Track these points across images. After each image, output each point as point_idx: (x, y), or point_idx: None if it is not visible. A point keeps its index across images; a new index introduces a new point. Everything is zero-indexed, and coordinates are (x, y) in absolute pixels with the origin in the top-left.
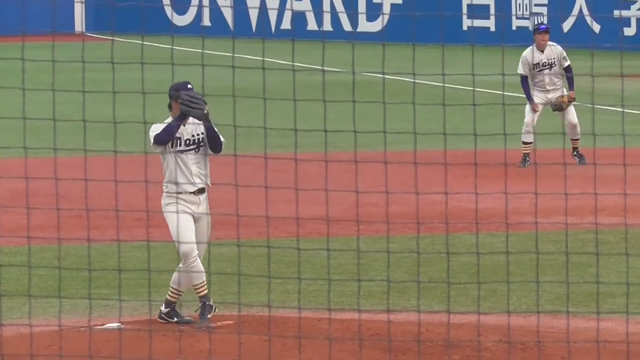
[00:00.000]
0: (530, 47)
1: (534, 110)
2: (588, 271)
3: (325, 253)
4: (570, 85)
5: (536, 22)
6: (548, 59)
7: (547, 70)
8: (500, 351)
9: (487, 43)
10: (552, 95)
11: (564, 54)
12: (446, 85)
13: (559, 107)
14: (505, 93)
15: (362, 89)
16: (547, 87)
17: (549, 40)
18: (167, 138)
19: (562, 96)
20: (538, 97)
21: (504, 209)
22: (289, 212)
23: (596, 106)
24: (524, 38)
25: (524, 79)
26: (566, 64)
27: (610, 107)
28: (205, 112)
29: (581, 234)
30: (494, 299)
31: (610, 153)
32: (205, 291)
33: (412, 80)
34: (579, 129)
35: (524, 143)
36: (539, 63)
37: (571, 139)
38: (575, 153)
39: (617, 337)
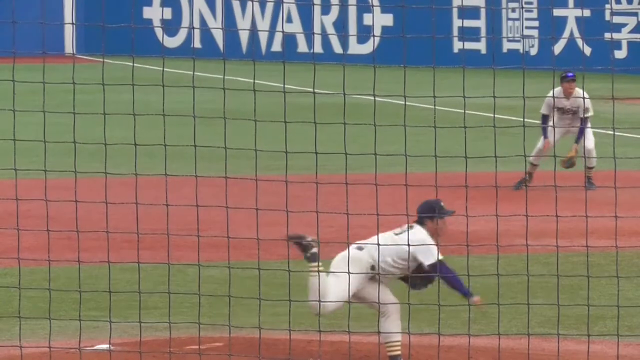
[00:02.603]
0: (558, 89)
1: (545, 148)
2: (579, 294)
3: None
4: (579, 137)
5: (527, 45)
6: (572, 107)
7: (570, 115)
8: None
9: (478, 65)
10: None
11: (589, 105)
12: (437, 107)
13: (572, 164)
14: (496, 116)
15: (353, 111)
16: (566, 127)
17: (577, 88)
18: (451, 283)
19: (571, 154)
20: (557, 125)
21: (494, 231)
22: (280, 234)
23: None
24: (515, 60)
25: (545, 117)
26: (587, 115)
27: (601, 130)
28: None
29: (572, 257)
30: (485, 321)
31: (601, 176)
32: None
33: (402, 102)
34: (594, 153)
35: (532, 164)
36: (562, 108)
37: (586, 167)
38: (588, 182)
39: None
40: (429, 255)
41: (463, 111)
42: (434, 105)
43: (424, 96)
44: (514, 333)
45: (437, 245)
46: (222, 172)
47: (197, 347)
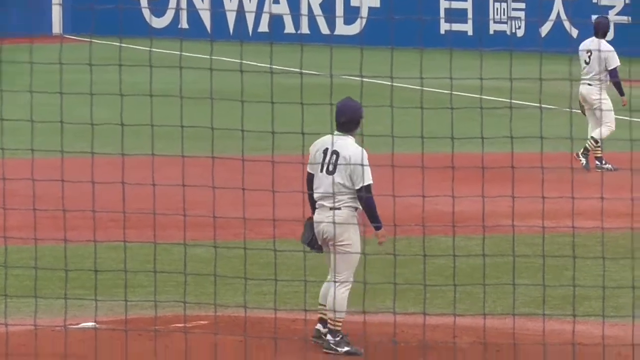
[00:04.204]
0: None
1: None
2: (564, 274)
3: (301, 254)
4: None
5: (514, 27)
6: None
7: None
8: (476, 353)
9: (465, 47)
10: None
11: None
12: (424, 88)
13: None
14: (483, 97)
15: (340, 92)
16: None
17: None
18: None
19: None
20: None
21: (480, 212)
22: (266, 214)
23: (574, 110)
24: (501, 42)
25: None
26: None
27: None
28: (306, 245)
29: (558, 237)
30: (470, 301)
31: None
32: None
33: (389, 83)
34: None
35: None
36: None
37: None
38: (582, 152)
39: (592, 339)
40: (367, 176)
41: (450, 92)
42: (421, 87)
43: (411, 77)
44: (499, 313)
45: None
46: (209, 152)
47: (183, 325)
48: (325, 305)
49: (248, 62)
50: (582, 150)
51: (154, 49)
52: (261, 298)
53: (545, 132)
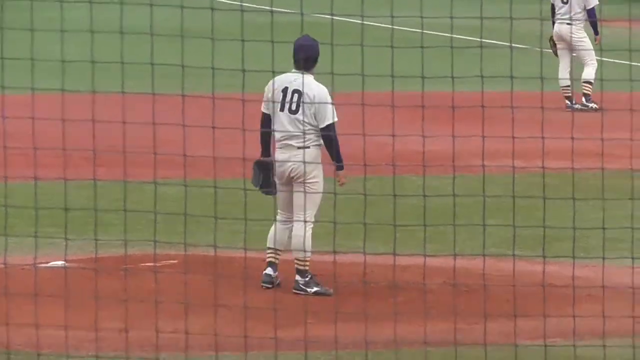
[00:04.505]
0: None
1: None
2: (534, 215)
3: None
4: (596, 30)
5: None
6: None
7: (567, 6)
8: (445, 293)
9: None
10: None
11: None
12: (395, 27)
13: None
14: (454, 36)
15: (311, 30)
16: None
17: None
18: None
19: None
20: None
21: (451, 152)
22: (236, 152)
23: (545, 50)
24: None
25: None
26: (590, 5)
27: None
28: (262, 190)
29: (528, 178)
30: (440, 241)
31: (556, 97)
32: (309, 266)
33: (360, 22)
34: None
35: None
36: None
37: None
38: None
39: (562, 280)
40: (331, 114)
41: (421, 31)
42: (392, 25)
43: (382, 16)
44: (469, 253)
45: None
46: (180, 90)
47: (153, 264)
48: (275, 249)
49: (220, 0)
50: (583, 99)
51: None
52: (231, 237)
53: (516, 71)
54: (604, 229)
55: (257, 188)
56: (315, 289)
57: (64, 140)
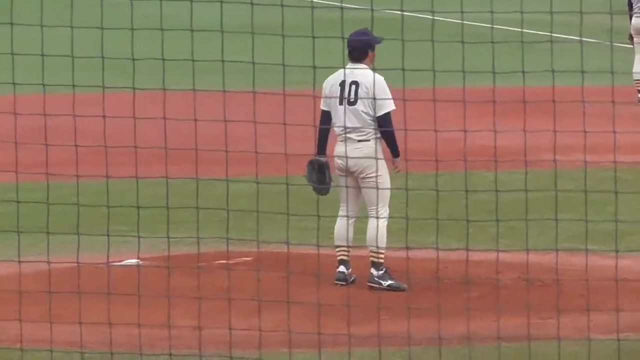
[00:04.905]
0: None
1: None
2: (606, 209)
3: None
4: None
5: None
6: None
7: None
8: (519, 289)
9: None
10: None
11: None
12: (465, 22)
13: None
14: (524, 30)
15: (381, 25)
16: None
17: None
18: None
19: None
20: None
21: (522, 147)
22: (307, 149)
23: (616, 44)
24: None
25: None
26: None
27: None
28: (315, 188)
29: (600, 172)
30: (513, 236)
31: (627, 91)
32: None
33: (431, 17)
34: None
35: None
36: None
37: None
38: None
39: (635, 275)
40: (387, 102)
41: (491, 26)
42: (462, 20)
43: (452, 11)
44: (542, 248)
45: None
46: (250, 86)
47: (226, 262)
48: (345, 246)
49: None
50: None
51: None
52: (303, 234)
53: (586, 66)
54: None
55: (314, 185)
56: (389, 282)
57: (135, 138)
